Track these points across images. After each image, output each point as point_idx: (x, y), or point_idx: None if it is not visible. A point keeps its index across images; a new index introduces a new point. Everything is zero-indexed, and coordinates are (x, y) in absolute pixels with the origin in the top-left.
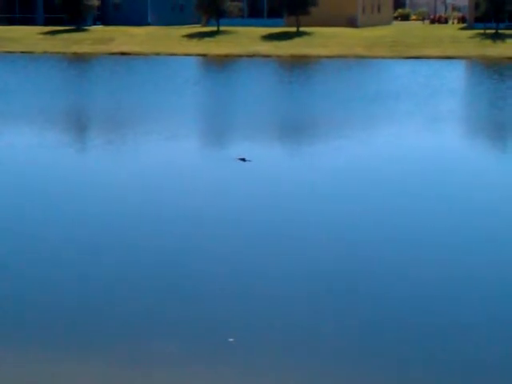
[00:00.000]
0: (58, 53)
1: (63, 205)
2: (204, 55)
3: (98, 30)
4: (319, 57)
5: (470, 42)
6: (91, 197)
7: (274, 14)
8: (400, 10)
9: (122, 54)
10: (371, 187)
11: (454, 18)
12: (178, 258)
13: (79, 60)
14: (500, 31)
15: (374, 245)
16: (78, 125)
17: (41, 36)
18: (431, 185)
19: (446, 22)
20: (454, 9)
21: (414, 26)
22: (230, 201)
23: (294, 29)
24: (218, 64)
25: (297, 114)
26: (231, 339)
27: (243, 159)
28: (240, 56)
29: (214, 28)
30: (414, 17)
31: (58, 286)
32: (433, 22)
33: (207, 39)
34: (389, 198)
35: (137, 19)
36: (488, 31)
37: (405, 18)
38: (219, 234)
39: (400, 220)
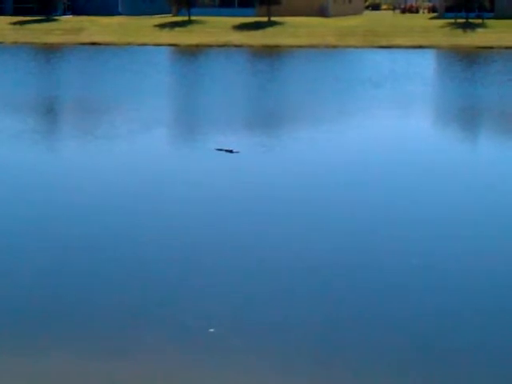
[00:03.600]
0: (28, 43)
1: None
2: (175, 45)
3: (68, 20)
4: (291, 46)
5: (441, 32)
6: (64, 189)
7: (245, 3)
8: (371, 0)
9: (93, 44)
10: (368, 176)
11: (424, 8)
12: (158, 249)
13: (49, 50)
14: (470, 20)
15: (366, 237)
16: (46, 114)
17: (10, 26)
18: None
19: (416, 11)
20: None
21: (385, 16)
22: (220, 192)
23: (265, 18)
24: (190, 54)
25: (271, 104)
26: (211, 329)
27: (230, 151)
28: (211, 46)
29: (185, 18)
30: (384, 6)
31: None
32: (404, 11)
33: (178, 29)
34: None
35: (107, 9)
36: (458, 21)
37: (376, 7)
38: (216, 228)
39: (393, 212)
